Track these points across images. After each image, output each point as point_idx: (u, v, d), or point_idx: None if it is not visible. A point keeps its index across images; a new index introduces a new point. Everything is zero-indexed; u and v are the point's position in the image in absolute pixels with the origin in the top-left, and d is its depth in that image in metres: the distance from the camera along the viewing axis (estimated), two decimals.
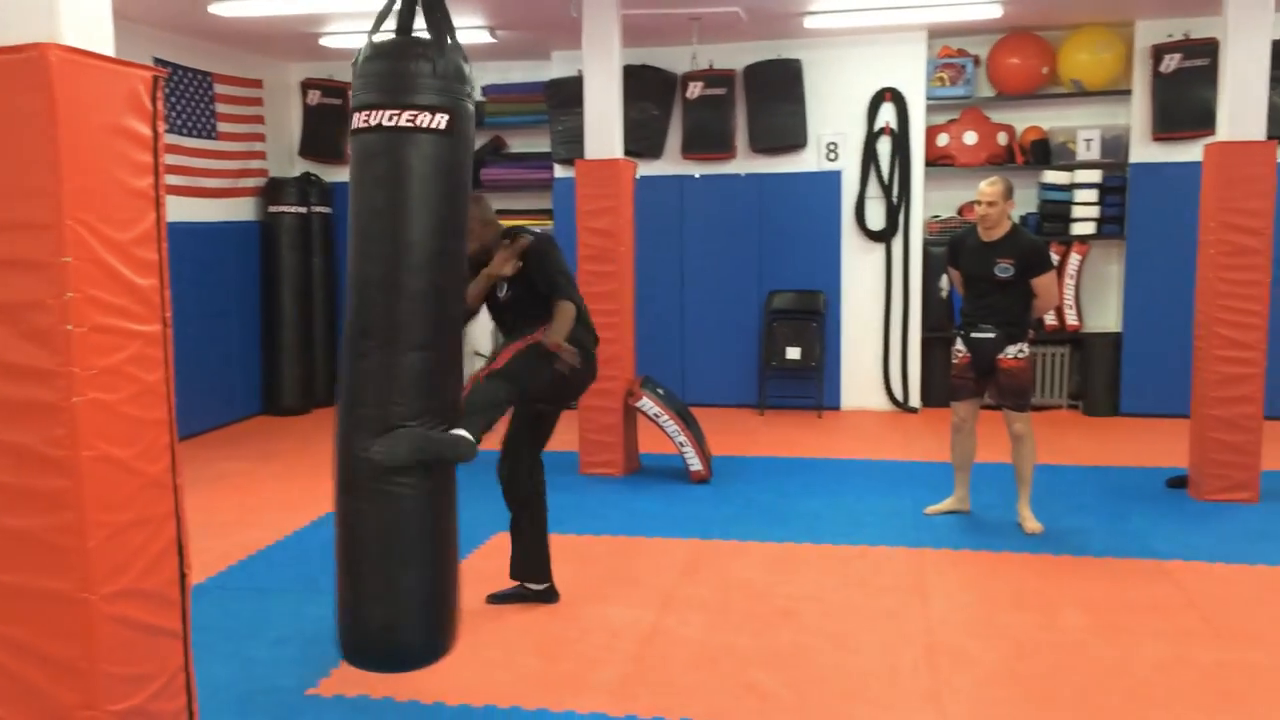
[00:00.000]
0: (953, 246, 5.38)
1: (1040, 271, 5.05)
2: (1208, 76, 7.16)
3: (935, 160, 8.15)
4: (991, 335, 5.11)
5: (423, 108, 2.69)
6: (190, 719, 2.87)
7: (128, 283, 2.55)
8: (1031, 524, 5.22)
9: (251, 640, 4.04)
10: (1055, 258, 7.76)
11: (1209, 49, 7.21)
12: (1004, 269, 5.02)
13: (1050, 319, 7.98)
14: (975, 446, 5.44)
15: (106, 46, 2.57)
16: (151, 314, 2.62)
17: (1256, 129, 5.51)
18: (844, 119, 8.16)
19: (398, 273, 2.72)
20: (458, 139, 2.75)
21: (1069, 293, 7.99)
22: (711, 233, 8.40)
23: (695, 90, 8.17)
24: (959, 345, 5.27)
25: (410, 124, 2.68)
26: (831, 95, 8.15)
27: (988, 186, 5.04)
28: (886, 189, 8.13)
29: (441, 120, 2.70)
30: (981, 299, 5.17)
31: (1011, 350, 5.10)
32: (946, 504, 5.56)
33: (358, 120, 2.75)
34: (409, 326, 2.73)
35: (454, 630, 2.91)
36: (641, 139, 8.10)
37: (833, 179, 8.20)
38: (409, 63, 2.71)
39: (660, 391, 6.37)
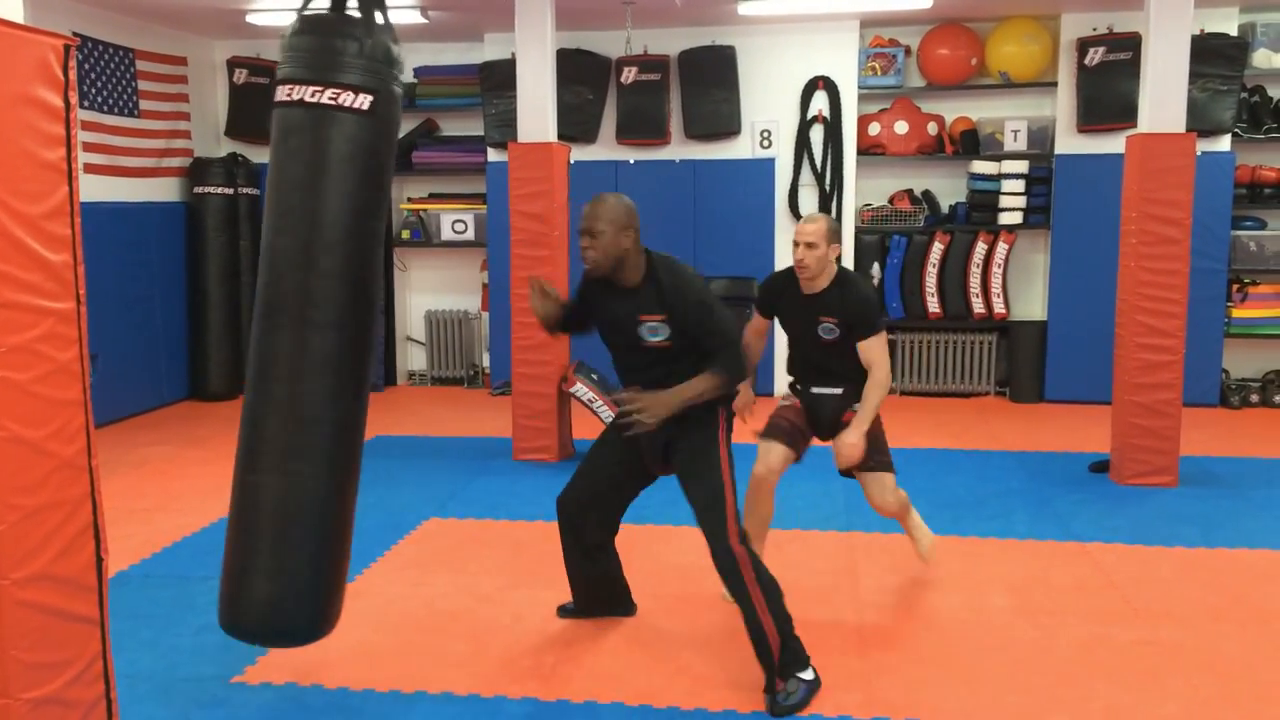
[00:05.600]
0: (765, 292, 4.33)
1: (866, 333, 4.02)
2: (1130, 70, 7.31)
3: (867, 149, 8.22)
4: (838, 391, 4.15)
5: (346, 86, 2.65)
6: (109, 707, 2.80)
7: (39, 258, 2.45)
8: (925, 547, 4.44)
9: (175, 628, 3.95)
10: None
11: (1132, 43, 7.36)
12: (828, 329, 4.06)
13: (978, 306, 8.09)
14: (771, 507, 4.28)
15: (14, 13, 2.47)
16: (64, 291, 2.53)
17: (1176, 121, 5.63)
18: (777, 106, 8.19)
19: (312, 249, 2.69)
20: (381, 121, 2.71)
21: (996, 281, 8.11)
22: (646, 219, 8.13)
23: (630, 75, 8.14)
24: (789, 392, 4.32)
25: (332, 102, 2.64)
26: (765, 83, 8.17)
27: (808, 224, 4.03)
28: (819, 177, 8.18)
29: (365, 101, 2.66)
30: (810, 362, 4.21)
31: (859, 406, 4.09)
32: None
33: (280, 94, 2.70)
34: (321, 304, 2.70)
35: (336, 612, 2.88)
36: (576, 123, 8.06)
37: (766, 166, 8.23)
38: (336, 40, 2.66)
39: (594, 377, 6.35)
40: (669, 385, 3.45)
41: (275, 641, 2.96)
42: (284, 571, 2.74)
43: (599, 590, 3.99)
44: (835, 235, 4.07)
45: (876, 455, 4.11)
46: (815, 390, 4.21)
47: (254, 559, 2.75)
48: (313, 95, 2.64)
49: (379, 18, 2.73)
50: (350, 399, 2.81)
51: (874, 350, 4.02)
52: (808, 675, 3.42)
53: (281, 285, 2.71)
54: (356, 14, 2.72)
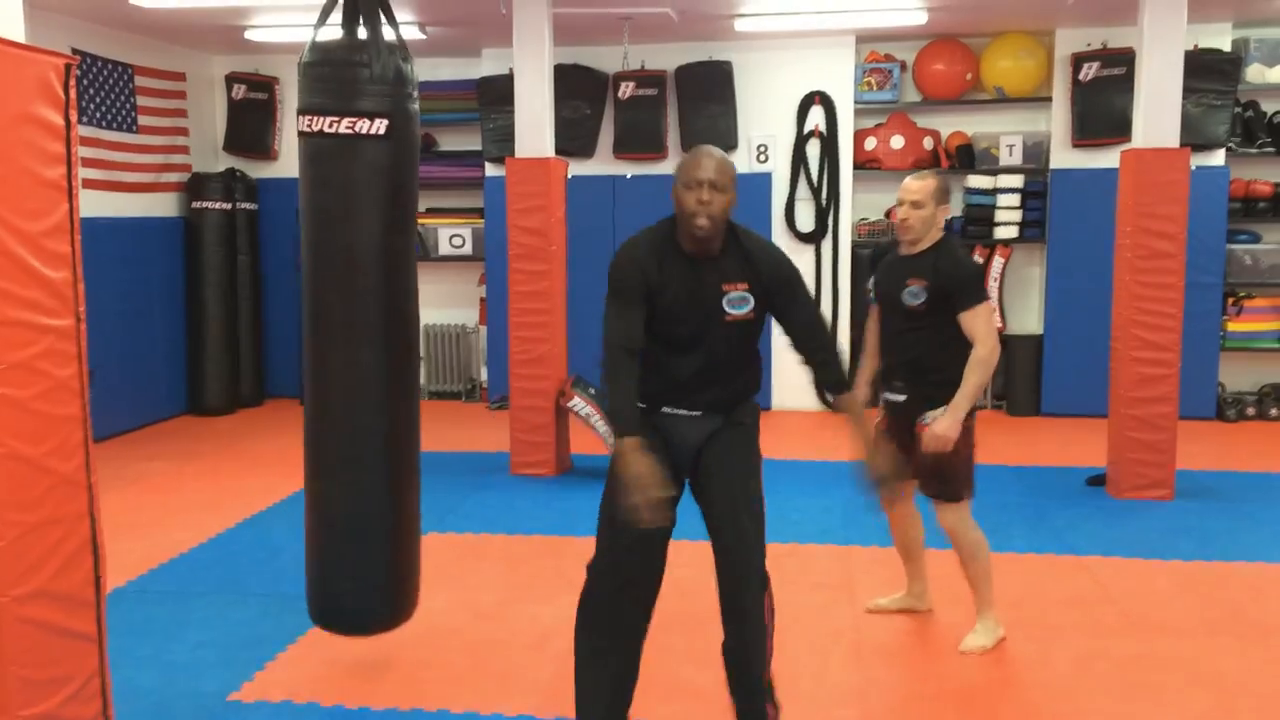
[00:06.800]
0: (873, 266, 4.02)
1: (967, 302, 3.61)
2: (1125, 85, 7.35)
3: (863, 164, 8.25)
4: (901, 398, 3.81)
5: (362, 114, 2.71)
6: None
7: (39, 276, 2.46)
8: (971, 639, 3.87)
9: (172, 644, 3.95)
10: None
11: (1126, 58, 7.40)
12: (914, 293, 3.66)
13: None
14: (917, 528, 4.13)
15: (16, 32, 2.49)
16: (64, 308, 2.54)
17: (1170, 136, 5.66)
18: (774, 121, 8.23)
19: (345, 272, 2.83)
20: (398, 142, 2.77)
21: (992, 295, 8.12)
22: None
23: (627, 90, 8.17)
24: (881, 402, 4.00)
25: (350, 131, 2.71)
26: (762, 98, 8.21)
27: (914, 181, 3.71)
28: (816, 191, 8.21)
29: (381, 125, 2.72)
30: (891, 341, 3.85)
31: (932, 415, 3.71)
32: (893, 600, 4.25)
33: (301, 123, 2.78)
34: (360, 322, 2.84)
35: (411, 601, 3.20)
36: (573, 138, 8.08)
37: (763, 181, 8.26)
38: (347, 68, 2.73)
39: (592, 391, 6.36)
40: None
41: (350, 630, 3.25)
42: (353, 569, 2.99)
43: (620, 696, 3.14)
44: (944, 195, 3.71)
45: (940, 483, 3.76)
46: (886, 395, 3.86)
47: (325, 559, 3.00)
48: (330, 125, 2.73)
49: (387, 38, 2.77)
50: (396, 408, 2.98)
51: (976, 322, 3.59)
52: None
53: (321, 306, 2.89)
54: (365, 38, 2.77)
